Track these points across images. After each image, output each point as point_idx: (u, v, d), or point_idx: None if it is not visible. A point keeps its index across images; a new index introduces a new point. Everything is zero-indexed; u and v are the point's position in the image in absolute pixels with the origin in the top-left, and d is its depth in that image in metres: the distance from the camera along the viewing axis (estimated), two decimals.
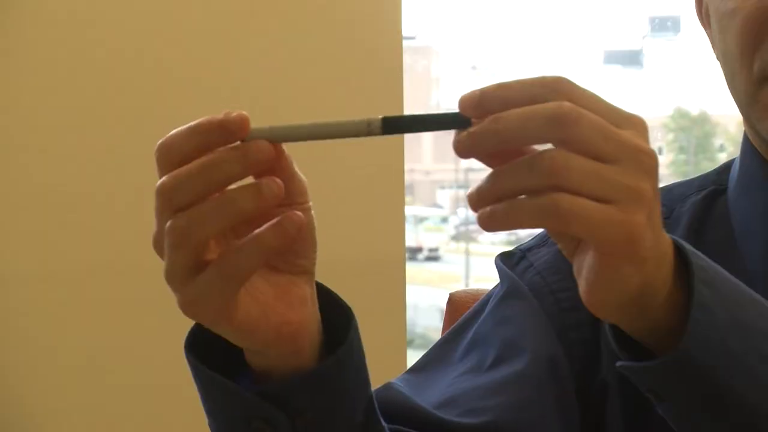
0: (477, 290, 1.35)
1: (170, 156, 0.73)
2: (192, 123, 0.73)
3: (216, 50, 2.01)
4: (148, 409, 1.98)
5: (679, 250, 0.76)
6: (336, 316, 0.83)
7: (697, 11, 1.07)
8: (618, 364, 0.78)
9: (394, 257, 2.07)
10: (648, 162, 0.71)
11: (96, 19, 1.96)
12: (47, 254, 1.94)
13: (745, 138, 1.05)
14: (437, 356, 1.04)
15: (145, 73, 1.98)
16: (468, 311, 1.08)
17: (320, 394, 0.81)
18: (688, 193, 1.07)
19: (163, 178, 0.73)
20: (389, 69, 2.07)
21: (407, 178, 2.13)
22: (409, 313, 2.13)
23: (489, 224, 0.70)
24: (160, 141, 0.74)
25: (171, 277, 0.74)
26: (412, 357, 2.10)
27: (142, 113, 1.97)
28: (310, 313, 0.81)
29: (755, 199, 1.03)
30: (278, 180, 0.72)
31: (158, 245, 0.74)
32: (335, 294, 0.84)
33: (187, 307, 0.75)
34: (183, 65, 1.99)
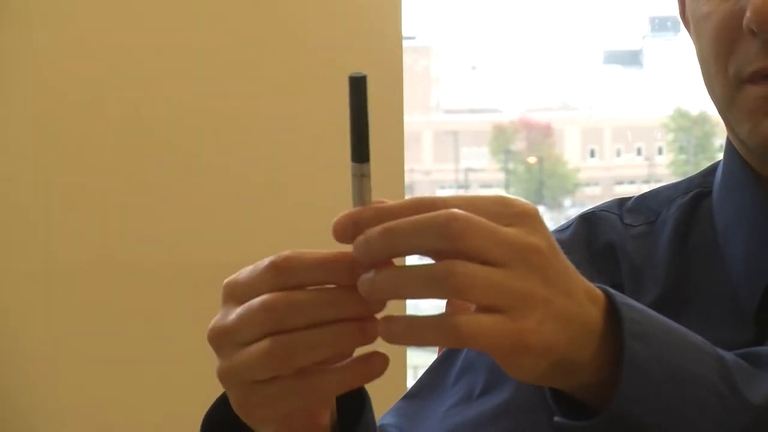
0: None
1: (291, 279, 0.73)
2: (329, 254, 0.73)
3: (216, 50, 2.01)
4: (148, 409, 1.98)
5: (610, 303, 0.76)
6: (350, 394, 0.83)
7: (680, 14, 1.07)
8: (555, 419, 0.78)
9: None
10: (536, 260, 0.72)
11: (96, 19, 1.96)
12: (47, 254, 1.94)
13: (728, 140, 1.05)
14: (430, 382, 1.03)
15: (145, 73, 1.98)
16: None
17: None
18: (674, 196, 1.07)
19: (302, 292, 0.72)
20: (389, 69, 2.07)
21: (407, 178, 2.13)
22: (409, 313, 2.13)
23: (389, 339, 0.71)
24: (284, 255, 0.73)
25: (241, 375, 0.74)
26: (412, 357, 2.10)
27: (142, 113, 1.97)
28: (333, 412, 0.82)
29: (737, 200, 1.03)
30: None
31: (230, 337, 0.74)
32: None
33: (245, 406, 0.76)
34: (183, 65, 1.99)
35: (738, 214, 1.02)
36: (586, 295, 0.75)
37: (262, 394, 0.74)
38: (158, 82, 1.99)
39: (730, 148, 1.05)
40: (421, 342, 0.72)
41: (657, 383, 0.75)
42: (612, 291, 0.77)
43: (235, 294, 0.75)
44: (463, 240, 0.70)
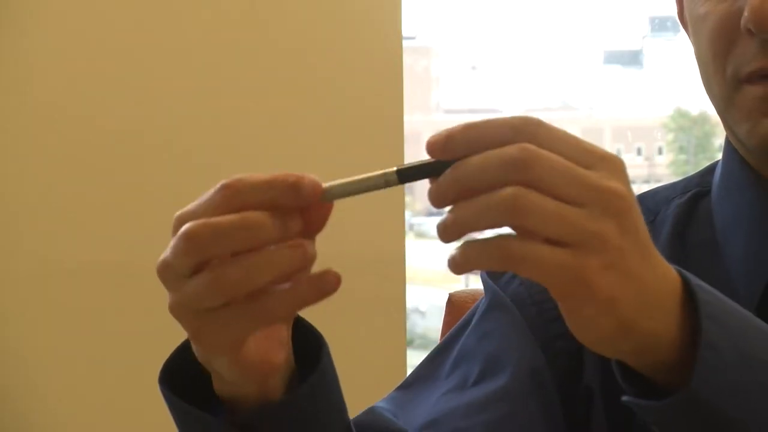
0: (477, 290, 1.35)
1: (235, 200, 0.73)
2: (265, 176, 0.73)
3: (216, 50, 2.01)
4: (148, 409, 1.98)
5: (685, 284, 0.76)
6: (308, 342, 0.84)
7: (678, 15, 1.07)
8: (623, 399, 0.78)
9: (394, 257, 2.07)
10: (617, 203, 0.70)
11: (96, 19, 1.96)
12: (47, 255, 1.94)
13: (727, 140, 1.05)
14: (425, 373, 1.04)
15: (145, 72, 1.98)
16: (456, 325, 1.08)
17: (293, 423, 0.81)
18: (672, 195, 1.07)
19: (226, 217, 0.72)
20: (389, 69, 2.07)
21: None
22: (409, 314, 2.13)
23: (454, 269, 0.71)
24: (227, 181, 0.73)
25: (190, 306, 0.74)
26: (412, 357, 2.10)
27: (142, 113, 1.97)
28: (288, 350, 0.81)
29: (736, 200, 1.03)
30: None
31: (170, 270, 0.74)
32: (306, 321, 0.85)
33: (199, 335, 0.76)
34: (183, 65, 1.99)
35: (737, 214, 1.02)
36: (660, 265, 0.74)
37: (214, 321, 0.74)
38: (158, 82, 1.98)
39: (728, 147, 1.05)
40: (473, 261, 0.70)
41: (731, 366, 0.75)
42: (685, 272, 0.76)
43: (178, 227, 0.75)
44: (533, 170, 0.68)
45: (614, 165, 0.72)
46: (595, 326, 0.72)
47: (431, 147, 0.71)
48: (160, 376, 0.82)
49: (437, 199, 0.71)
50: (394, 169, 0.73)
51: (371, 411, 0.99)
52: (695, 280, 0.76)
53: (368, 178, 0.74)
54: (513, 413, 0.97)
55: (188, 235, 0.73)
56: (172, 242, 0.74)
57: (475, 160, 0.69)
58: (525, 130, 0.70)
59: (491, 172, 0.69)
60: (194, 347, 0.78)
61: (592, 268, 0.70)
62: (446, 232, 0.70)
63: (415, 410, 0.99)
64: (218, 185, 0.74)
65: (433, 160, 0.72)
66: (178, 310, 0.75)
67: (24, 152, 1.94)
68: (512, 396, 0.97)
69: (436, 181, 0.71)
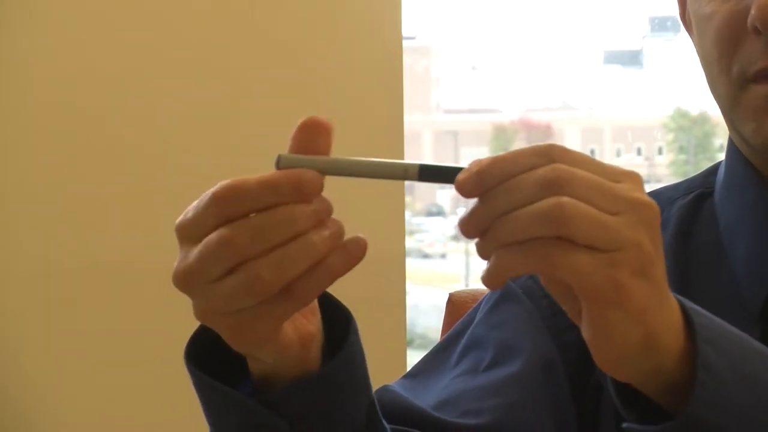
0: (477, 290, 1.35)
1: (236, 206, 0.72)
2: (265, 177, 0.73)
3: (216, 50, 2.01)
4: (148, 410, 1.98)
5: (681, 308, 0.77)
6: (335, 318, 0.83)
7: (680, 15, 1.07)
8: (624, 425, 0.79)
9: (394, 257, 2.07)
10: (647, 213, 0.72)
11: (96, 18, 1.96)
12: (47, 255, 1.94)
13: (730, 141, 1.05)
14: (431, 363, 1.04)
15: (145, 72, 1.98)
16: (460, 320, 1.08)
17: (321, 399, 0.81)
18: (675, 196, 1.07)
19: (237, 225, 0.72)
20: (389, 69, 2.07)
21: None
22: (409, 313, 2.13)
23: (491, 281, 0.72)
24: (225, 185, 0.73)
25: (223, 310, 0.74)
26: (412, 357, 2.10)
27: (142, 114, 1.97)
28: (319, 322, 0.81)
29: (740, 200, 1.03)
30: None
31: (195, 276, 0.74)
32: (333, 297, 0.84)
33: (236, 335, 0.75)
34: (183, 65, 1.99)
35: (741, 214, 1.02)
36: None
37: (251, 319, 0.74)
38: (158, 82, 1.98)
39: (732, 148, 1.05)
40: (512, 267, 0.71)
41: (730, 387, 0.76)
42: (679, 297, 0.77)
43: (189, 234, 0.74)
44: (568, 186, 0.70)
45: (637, 179, 0.73)
46: (622, 338, 0.73)
47: (462, 185, 0.72)
48: (186, 353, 0.81)
49: (472, 227, 0.71)
50: (417, 163, 0.73)
51: (385, 389, 0.99)
52: (689, 304, 0.77)
53: (391, 164, 0.73)
54: (524, 400, 0.97)
55: (225, 241, 0.72)
56: (198, 249, 0.73)
57: (510, 184, 0.71)
58: (551, 155, 0.71)
59: (528, 192, 0.70)
60: (235, 347, 0.77)
61: (627, 274, 0.71)
62: (485, 249, 0.71)
63: (425, 394, 0.99)
64: (213, 193, 0.73)
65: (457, 166, 0.73)
66: (209, 315, 0.75)
67: (24, 152, 1.94)
68: (524, 384, 0.98)
69: (468, 211, 0.71)
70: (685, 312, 0.76)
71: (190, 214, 0.74)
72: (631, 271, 0.71)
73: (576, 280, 0.71)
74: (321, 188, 0.73)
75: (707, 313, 0.78)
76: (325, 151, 0.75)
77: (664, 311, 0.74)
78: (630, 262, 0.71)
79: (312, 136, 0.75)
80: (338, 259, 0.73)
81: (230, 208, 0.72)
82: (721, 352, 0.76)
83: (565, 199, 0.70)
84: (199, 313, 0.75)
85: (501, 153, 0.72)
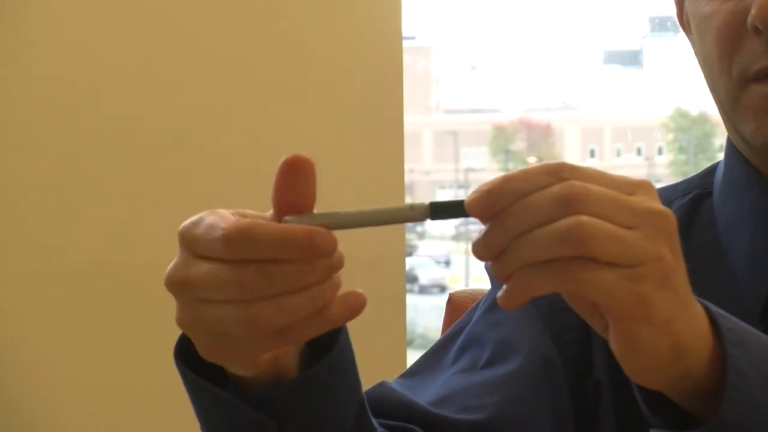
0: (477, 290, 1.35)
1: (246, 252, 0.71)
2: (280, 230, 0.71)
3: (216, 50, 2.01)
4: (148, 409, 1.98)
5: (706, 312, 0.76)
6: None
7: (678, 16, 1.07)
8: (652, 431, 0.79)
9: (394, 257, 2.07)
10: (665, 224, 0.72)
11: (96, 18, 1.96)
12: (47, 255, 1.94)
13: (729, 141, 1.05)
14: (429, 362, 1.04)
15: (145, 74, 1.98)
16: (457, 321, 1.08)
17: (309, 399, 0.81)
18: (672, 197, 1.07)
19: (249, 269, 0.71)
20: (389, 69, 2.07)
21: (407, 178, 2.13)
22: (409, 313, 2.14)
23: (508, 303, 0.71)
24: (237, 228, 0.72)
25: (209, 328, 0.74)
26: (412, 357, 2.10)
27: (143, 114, 1.97)
28: None
29: (739, 200, 1.03)
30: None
31: (193, 291, 0.73)
32: None
33: (213, 354, 0.75)
34: (183, 65, 1.99)
35: (741, 214, 1.02)
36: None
37: (233, 345, 0.74)
38: (158, 82, 1.98)
39: (731, 148, 1.05)
40: (534, 287, 0.71)
41: (757, 391, 0.76)
42: (705, 302, 0.77)
43: (192, 249, 0.74)
44: (584, 203, 0.70)
45: (649, 189, 0.73)
46: (651, 350, 0.72)
47: (472, 205, 0.71)
48: (175, 351, 0.82)
49: (488, 249, 0.71)
50: (427, 203, 0.73)
51: (382, 385, 0.99)
52: (713, 308, 0.77)
53: (396, 209, 0.73)
54: (523, 397, 0.97)
55: (239, 281, 0.71)
56: (206, 271, 0.72)
57: (523, 204, 0.70)
58: (562, 172, 0.71)
59: (544, 212, 0.70)
60: (207, 358, 0.77)
61: (650, 287, 0.71)
62: (501, 270, 0.71)
63: (424, 391, 0.99)
64: (224, 233, 0.72)
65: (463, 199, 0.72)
66: (191, 327, 0.75)
67: (24, 152, 1.94)
68: (523, 381, 0.98)
69: (482, 233, 0.71)
70: (710, 316, 0.76)
71: (198, 231, 0.73)
72: (655, 284, 0.71)
73: (601, 298, 0.71)
74: (335, 248, 0.72)
75: (730, 316, 0.78)
76: (311, 192, 0.74)
77: (690, 318, 0.74)
78: (653, 275, 0.71)
79: (293, 180, 0.74)
80: (338, 311, 0.73)
81: (240, 253, 0.72)
82: (748, 355, 0.76)
83: (584, 218, 0.69)
84: (182, 322, 0.75)
85: (510, 172, 0.72)
